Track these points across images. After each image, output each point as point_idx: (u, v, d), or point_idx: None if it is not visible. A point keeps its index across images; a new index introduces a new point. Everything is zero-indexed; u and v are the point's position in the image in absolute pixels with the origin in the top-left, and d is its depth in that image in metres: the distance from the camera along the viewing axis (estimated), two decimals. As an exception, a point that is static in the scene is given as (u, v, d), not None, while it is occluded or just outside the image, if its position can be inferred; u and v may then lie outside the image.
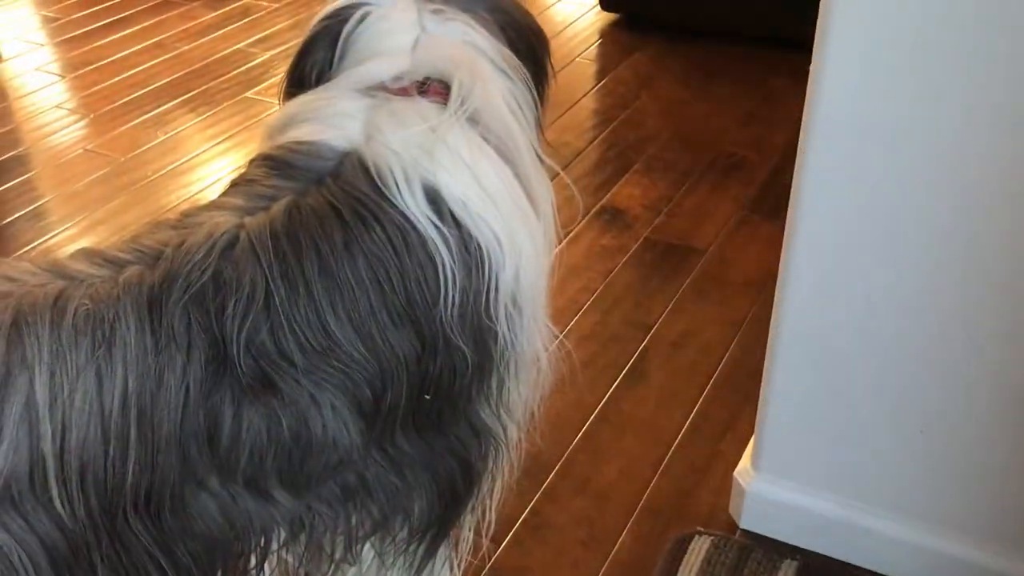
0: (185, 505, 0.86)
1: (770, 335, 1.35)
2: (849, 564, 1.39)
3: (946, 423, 1.28)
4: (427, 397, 0.91)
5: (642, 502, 1.50)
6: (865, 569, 1.38)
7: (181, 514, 0.86)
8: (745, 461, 1.45)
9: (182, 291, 0.82)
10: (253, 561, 0.94)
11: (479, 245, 0.90)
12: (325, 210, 0.87)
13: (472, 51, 0.97)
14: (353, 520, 0.96)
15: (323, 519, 0.94)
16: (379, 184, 0.89)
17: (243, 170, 0.96)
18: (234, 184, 0.95)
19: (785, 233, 1.29)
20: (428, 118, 0.92)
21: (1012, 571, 1.30)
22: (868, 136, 1.17)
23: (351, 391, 0.87)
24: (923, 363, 1.26)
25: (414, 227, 0.88)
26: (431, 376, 0.91)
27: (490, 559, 1.40)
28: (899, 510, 1.35)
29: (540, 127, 1.08)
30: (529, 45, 1.07)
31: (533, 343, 0.99)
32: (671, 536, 1.43)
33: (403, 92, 0.96)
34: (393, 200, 0.88)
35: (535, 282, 0.96)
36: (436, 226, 0.88)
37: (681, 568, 1.37)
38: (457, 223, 0.90)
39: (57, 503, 0.80)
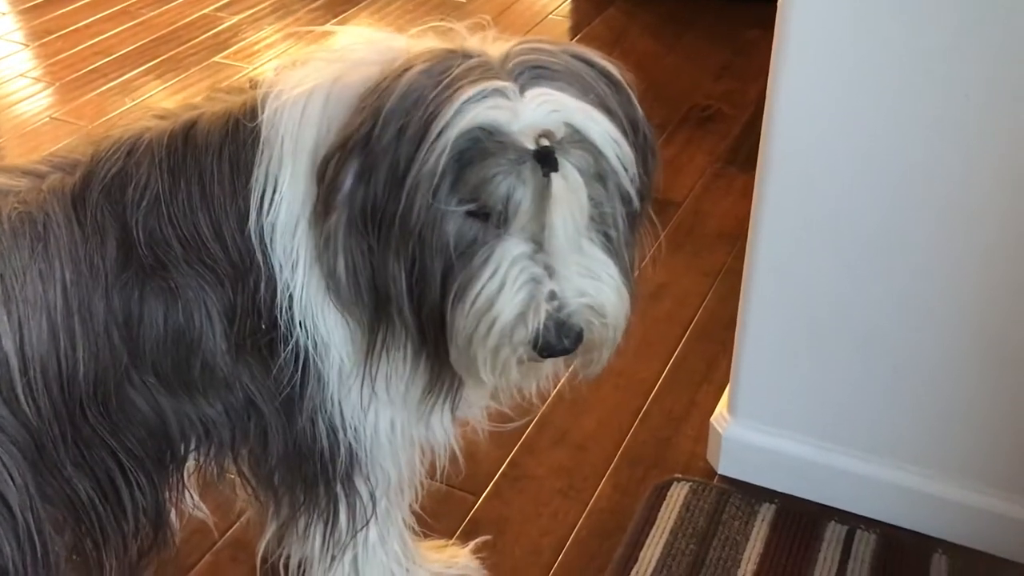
0: (122, 396, 0.95)
1: (743, 281, 1.35)
2: (827, 506, 1.40)
3: (919, 361, 1.28)
4: (263, 326, 0.95)
5: (620, 451, 1.50)
6: (843, 510, 1.39)
7: (124, 404, 0.95)
8: (721, 407, 1.46)
9: (99, 185, 0.93)
10: (192, 447, 1.03)
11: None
12: (221, 114, 0.97)
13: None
14: (235, 438, 1.02)
15: (217, 430, 1.01)
16: (258, 110, 0.95)
17: None
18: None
19: (756, 178, 1.29)
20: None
21: (988, 506, 1.32)
22: (835, 79, 1.17)
23: (219, 290, 0.95)
24: (896, 303, 1.26)
25: (260, 140, 0.94)
26: (257, 294, 0.95)
27: (470, 511, 1.40)
28: (875, 450, 1.36)
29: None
30: None
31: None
32: (650, 484, 1.44)
33: None
34: (260, 122, 0.95)
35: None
36: (271, 147, 0.93)
37: (660, 514, 1.38)
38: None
39: (23, 400, 0.89)
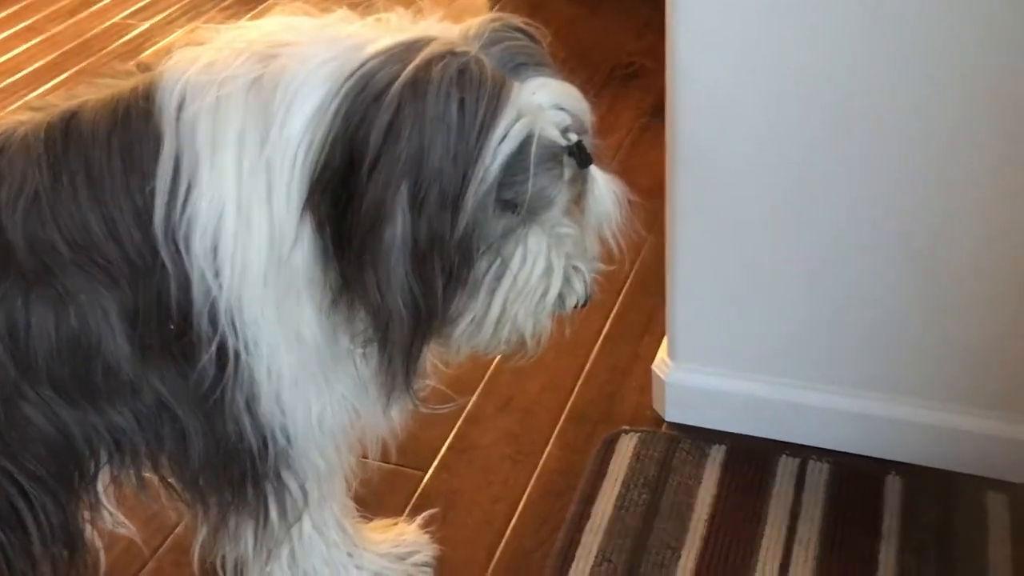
0: (13, 414, 0.89)
1: (667, 224, 1.33)
2: (778, 440, 1.38)
3: (856, 284, 1.27)
4: (172, 328, 0.90)
5: (567, 411, 1.48)
6: (794, 443, 1.38)
7: (17, 422, 0.89)
8: (662, 354, 1.44)
9: None
10: (104, 460, 0.97)
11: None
12: (107, 102, 0.89)
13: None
14: (149, 445, 0.97)
15: (128, 438, 0.95)
16: (153, 96, 0.89)
17: None
18: None
19: (667, 120, 1.27)
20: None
21: (937, 422, 1.31)
22: (736, 12, 1.15)
23: (116, 291, 0.89)
24: (827, 227, 1.25)
25: (160, 129, 0.88)
26: (164, 295, 0.89)
27: (418, 487, 1.37)
28: (820, 380, 1.34)
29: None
30: None
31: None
32: (599, 440, 1.41)
33: None
34: (158, 109, 0.88)
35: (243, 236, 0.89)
36: (180, 139, 0.87)
37: (610, 468, 1.36)
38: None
39: None
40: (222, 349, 0.90)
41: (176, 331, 0.90)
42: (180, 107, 0.87)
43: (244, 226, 0.87)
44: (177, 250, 0.87)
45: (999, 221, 1.18)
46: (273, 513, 1.02)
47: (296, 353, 0.93)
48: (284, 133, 0.85)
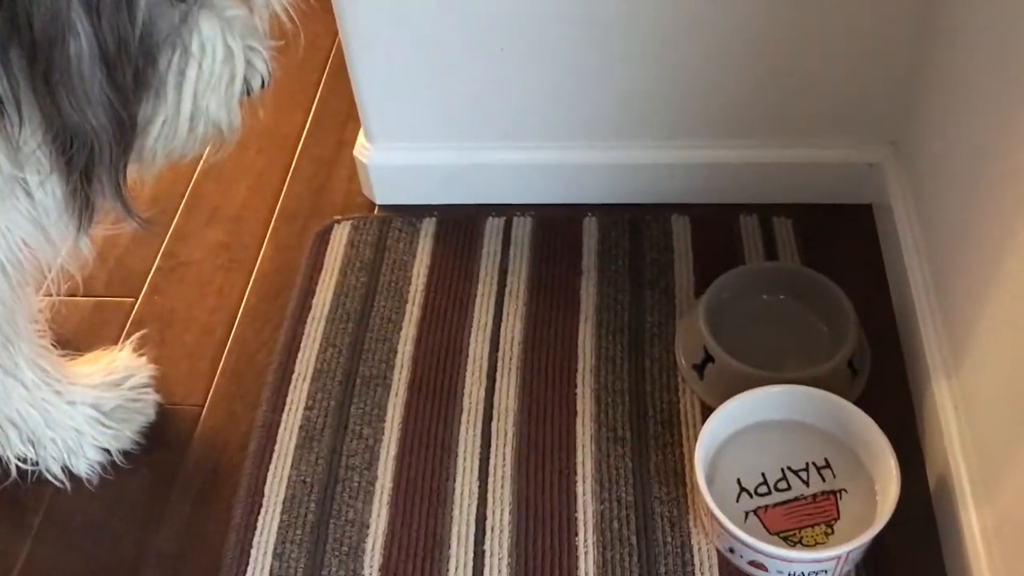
0: None
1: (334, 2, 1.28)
2: (483, 204, 1.43)
3: (525, 43, 1.28)
4: None
5: (277, 211, 1.46)
6: (498, 204, 1.43)
7: None
8: (361, 138, 1.42)
9: None
10: None
11: None
12: None
13: None
14: None
15: None
16: None
17: None
18: None
19: None
20: None
21: (620, 160, 1.39)
22: None
23: None
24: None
25: None
26: None
27: (130, 315, 1.33)
28: (511, 137, 1.38)
29: None
30: None
31: None
32: (311, 234, 1.41)
33: None
34: None
35: None
36: None
37: (326, 259, 1.37)
38: None
39: None
40: None
41: None
42: None
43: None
44: None
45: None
46: None
47: None
48: None
